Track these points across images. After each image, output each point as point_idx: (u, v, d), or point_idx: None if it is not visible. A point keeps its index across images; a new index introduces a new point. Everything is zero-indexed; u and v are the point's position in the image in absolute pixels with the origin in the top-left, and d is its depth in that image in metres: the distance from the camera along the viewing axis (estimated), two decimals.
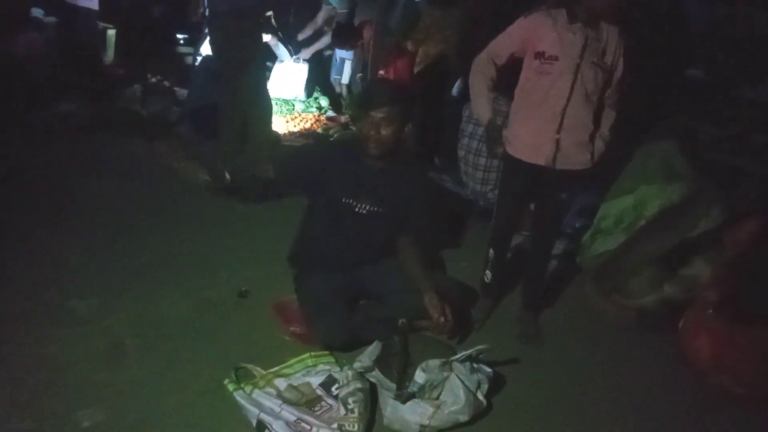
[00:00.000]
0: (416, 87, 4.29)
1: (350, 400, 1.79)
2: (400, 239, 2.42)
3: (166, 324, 2.23)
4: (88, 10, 5.03)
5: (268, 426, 1.75)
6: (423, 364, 1.85)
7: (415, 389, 1.83)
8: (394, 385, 1.86)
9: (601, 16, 2.15)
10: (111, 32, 5.38)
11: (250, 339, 2.21)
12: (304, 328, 2.23)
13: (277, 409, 1.80)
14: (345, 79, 5.32)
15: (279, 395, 1.89)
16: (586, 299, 2.86)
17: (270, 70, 5.17)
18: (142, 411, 1.80)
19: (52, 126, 4.15)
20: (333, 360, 2.10)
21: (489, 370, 1.98)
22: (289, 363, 2.06)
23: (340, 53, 5.33)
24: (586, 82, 2.16)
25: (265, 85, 4.05)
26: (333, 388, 1.93)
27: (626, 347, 2.55)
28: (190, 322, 2.27)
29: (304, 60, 5.34)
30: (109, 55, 5.44)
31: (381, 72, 4.27)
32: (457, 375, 1.88)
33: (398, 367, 1.89)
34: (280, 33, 5.11)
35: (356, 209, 2.31)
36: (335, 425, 1.77)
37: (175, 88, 5.18)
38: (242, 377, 1.96)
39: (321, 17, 5.26)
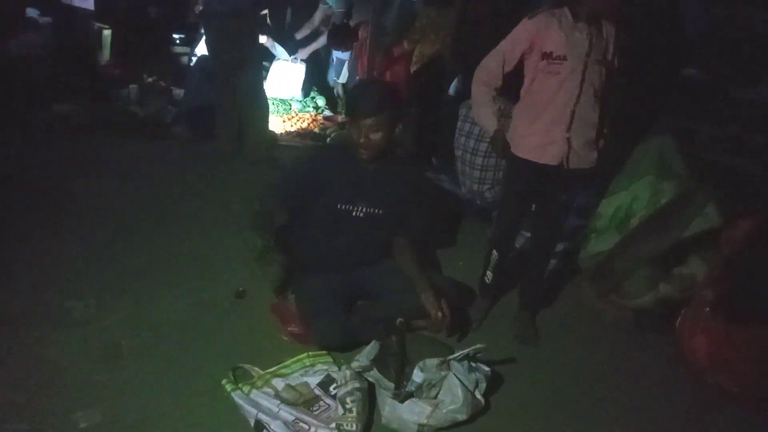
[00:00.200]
0: (413, 87, 4.30)
1: (348, 400, 1.79)
2: (398, 239, 2.42)
3: (164, 325, 2.23)
4: (84, 10, 5.02)
5: (266, 426, 1.75)
6: (421, 364, 1.86)
7: (413, 388, 1.83)
8: (392, 385, 1.86)
9: (602, 14, 2.16)
10: (107, 32, 5.36)
11: (248, 339, 2.21)
12: (301, 328, 2.23)
13: (275, 409, 1.80)
14: (342, 78, 5.32)
15: (277, 395, 1.89)
16: (583, 299, 2.86)
17: (267, 70, 5.18)
18: (140, 411, 1.80)
19: (50, 126, 4.14)
20: (331, 360, 2.10)
21: (487, 369, 1.99)
22: (286, 363, 2.06)
23: (336, 54, 5.33)
24: (593, 81, 2.17)
25: (262, 84, 4.06)
26: (331, 388, 1.93)
27: (624, 347, 2.56)
28: (188, 322, 2.26)
29: (301, 60, 5.34)
30: (105, 55, 5.42)
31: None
32: (455, 374, 1.88)
33: (396, 366, 1.89)
34: (275, 32, 5.12)
35: (353, 213, 2.30)
36: (333, 425, 1.77)
37: (172, 89, 5.18)
38: (240, 377, 1.97)
39: (318, 17, 5.26)
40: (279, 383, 1.95)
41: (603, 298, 2.80)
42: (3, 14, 4.53)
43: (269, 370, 2.01)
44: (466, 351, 1.94)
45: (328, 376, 1.98)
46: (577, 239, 3.09)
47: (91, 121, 4.31)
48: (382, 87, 2.37)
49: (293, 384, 1.94)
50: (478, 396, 1.91)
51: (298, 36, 5.38)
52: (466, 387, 1.87)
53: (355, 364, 1.95)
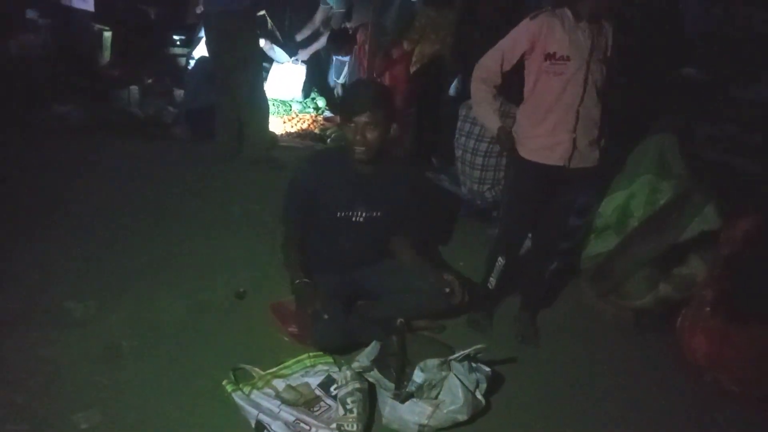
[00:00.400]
0: (413, 88, 4.31)
1: (349, 400, 1.78)
2: (397, 238, 2.42)
3: (165, 325, 2.22)
4: (84, 11, 5.02)
5: (267, 426, 1.75)
6: (421, 364, 1.85)
7: (414, 389, 1.83)
8: (392, 385, 1.86)
9: (603, 14, 2.17)
10: (107, 34, 5.37)
11: (248, 340, 2.21)
12: (300, 329, 2.23)
13: (276, 410, 1.80)
14: (342, 79, 5.33)
15: (277, 396, 1.89)
16: (583, 299, 2.86)
17: (267, 71, 5.18)
18: (140, 412, 1.80)
19: (49, 127, 4.14)
20: (331, 360, 2.10)
21: (487, 369, 1.98)
22: (287, 363, 2.06)
23: (337, 56, 5.34)
24: (596, 80, 2.18)
25: (262, 85, 4.06)
26: (331, 389, 1.93)
27: (624, 347, 2.56)
28: (187, 323, 2.26)
29: (302, 61, 5.34)
30: (105, 56, 5.43)
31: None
32: (455, 374, 1.88)
33: (397, 366, 1.89)
34: (277, 33, 5.12)
35: (353, 218, 2.30)
36: (334, 425, 1.77)
37: (173, 89, 5.18)
38: (241, 378, 1.96)
39: (319, 17, 5.26)
40: (280, 384, 1.94)
41: (603, 298, 2.80)
42: (2, 14, 4.53)
43: (270, 371, 2.01)
44: (466, 351, 1.94)
45: (328, 376, 1.98)
46: (577, 239, 3.09)
47: (90, 121, 4.32)
48: (375, 85, 2.37)
49: (294, 384, 1.94)
50: (479, 396, 1.91)
51: (299, 38, 5.38)
52: (466, 387, 1.87)
53: (355, 365, 1.95)
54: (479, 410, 1.92)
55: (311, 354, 2.10)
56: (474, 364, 1.96)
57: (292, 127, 4.97)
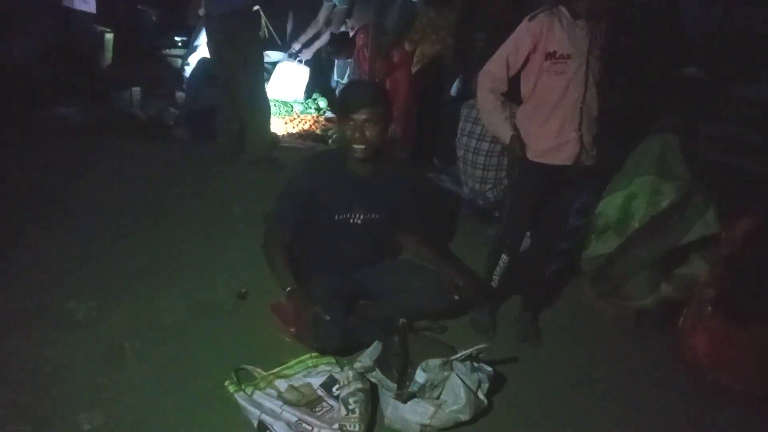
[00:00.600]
0: (414, 89, 4.31)
1: (351, 401, 1.78)
2: (409, 237, 2.43)
3: (166, 326, 2.22)
4: (86, 13, 5.03)
5: (269, 427, 1.75)
6: (423, 364, 1.85)
7: (416, 389, 1.83)
8: (394, 385, 1.86)
9: (600, 11, 2.17)
10: (108, 35, 5.38)
11: (250, 340, 2.21)
12: (301, 331, 2.22)
13: (278, 410, 1.80)
14: (345, 79, 5.33)
15: (280, 396, 1.89)
16: (584, 299, 2.86)
17: (269, 72, 5.18)
18: (142, 413, 1.80)
19: (51, 128, 4.14)
20: (333, 361, 2.10)
21: (489, 369, 1.99)
22: (289, 364, 2.06)
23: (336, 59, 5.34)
24: (595, 77, 2.19)
25: (263, 86, 4.06)
26: (334, 389, 1.93)
27: (625, 347, 2.56)
28: (189, 323, 2.26)
29: (305, 61, 5.33)
30: (107, 58, 5.44)
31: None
32: (457, 374, 1.88)
33: (398, 367, 1.89)
34: (272, 31, 5.11)
35: (351, 221, 2.30)
36: (336, 426, 1.77)
37: (175, 90, 5.18)
38: (243, 378, 1.96)
39: (323, 16, 5.25)
40: (282, 384, 1.94)
41: (603, 298, 2.80)
42: (3, 15, 4.53)
43: (272, 371, 2.01)
44: (468, 351, 1.94)
45: (330, 376, 1.98)
46: (578, 239, 3.09)
47: (91, 122, 4.32)
48: (372, 83, 2.37)
49: (296, 385, 1.94)
50: (481, 396, 1.91)
51: (303, 38, 5.36)
52: (468, 387, 1.87)
53: (357, 365, 1.95)
54: (481, 410, 1.92)
55: (313, 354, 2.10)
56: (476, 364, 1.96)
57: (293, 127, 4.97)
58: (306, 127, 5.01)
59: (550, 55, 2.16)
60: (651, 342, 2.58)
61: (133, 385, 1.91)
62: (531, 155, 2.26)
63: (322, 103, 5.41)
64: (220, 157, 3.96)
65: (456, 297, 2.27)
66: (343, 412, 1.79)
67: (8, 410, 1.74)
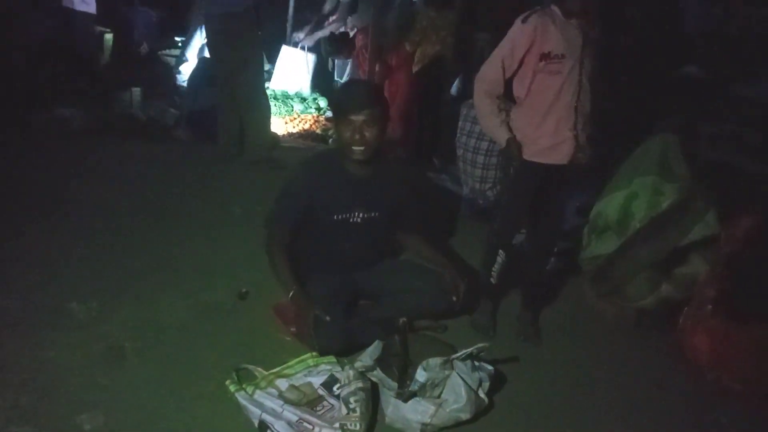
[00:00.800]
0: (414, 89, 4.31)
1: (352, 400, 1.78)
2: (407, 235, 2.43)
3: (166, 326, 2.22)
4: (86, 14, 5.03)
5: (270, 426, 1.75)
6: (424, 363, 1.85)
7: (417, 388, 1.83)
8: (395, 384, 1.86)
9: (591, 9, 2.18)
10: (108, 36, 5.38)
11: (251, 340, 2.21)
12: (301, 331, 2.22)
13: (279, 410, 1.80)
14: (345, 79, 5.34)
15: (280, 395, 1.89)
16: (584, 299, 2.86)
17: (269, 71, 5.19)
18: (143, 413, 1.80)
19: (51, 129, 4.15)
20: (334, 360, 2.10)
21: (490, 368, 1.99)
22: (290, 363, 2.06)
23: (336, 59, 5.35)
24: (588, 75, 2.19)
25: (263, 86, 4.06)
26: (334, 388, 1.93)
27: (625, 346, 2.56)
28: (189, 324, 2.26)
29: (308, 48, 5.32)
30: (107, 58, 5.44)
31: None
32: (458, 373, 1.88)
33: (399, 366, 1.89)
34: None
35: (351, 220, 2.30)
36: (337, 425, 1.77)
37: (178, 88, 5.20)
38: (243, 378, 1.96)
39: (328, 6, 5.25)
40: (282, 384, 1.94)
41: (604, 298, 2.80)
42: (3, 16, 4.54)
43: (273, 371, 2.01)
44: (469, 350, 1.94)
45: (331, 376, 1.98)
46: (578, 239, 3.09)
47: (90, 124, 4.32)
48: (369, 83, 2.35)
49: (297, 384, 1.94)
50: (482, 395, 1.91)
51: (307, 28, 5.36)
52: (469, 386, 1.87)
53: (358, 364, 1.95)
54: (482, 409, 1.92)
55: (314, 354, 2.11)
56: (477, 363, 1.96)
57: (293, 127, 4.98)
58: (306, 126, 5.01)
59: (544, 56, 2.16)
60: (651, 342, 2.58)
61: (134, 385, 1.91)
62: (527, 155, 2.27)
63: (323, 102, 5.41)
64: (220, 157, 3.96)
65: (455, 298, 2.27)
66: (344, 411, 1.79)
67: (9, 411, 1.74)
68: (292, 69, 5.34)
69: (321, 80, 5.57)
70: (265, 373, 1.99)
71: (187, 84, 4.82)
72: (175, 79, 5.30)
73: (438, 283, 2.34)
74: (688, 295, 2.58)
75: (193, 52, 5.23)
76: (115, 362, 2.00)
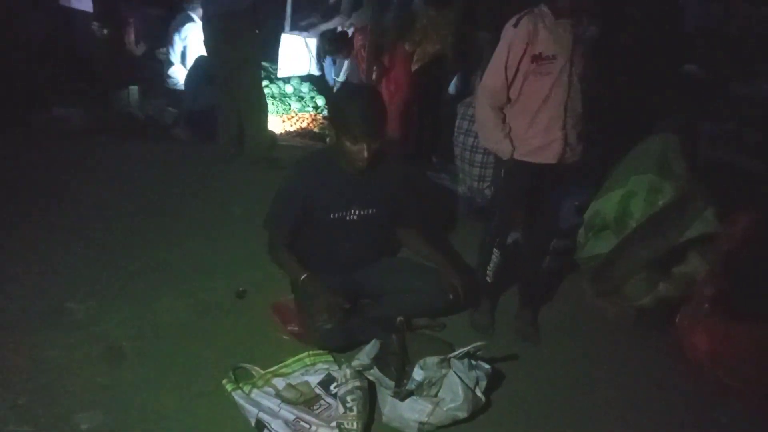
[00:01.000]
0: (414, 87, 4.31)
1: (349, 399, 1.79)
2: (404, 230, 2.43)
3: (164, 326, 2.23)
4: (85, 13, 5.03)
5: (267, 425, 1.75)
6: (421, 362, 1.86)
7: (414, 387, 1.83)
8: (392, 383, 1.86)
9: (581, 7, 2.17)
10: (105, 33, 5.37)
11: (248, 339, 2.21)
12: (301, 328, 2.23)
13: (276, 409, 1.81)
14: (342, 77, 5.34)
15: (278, 394, 1.90)
16: (583, 297, 2.86)
17: (268, 71, 5.19)
18: (141, 413, 1.81)
19: (50, 128, 4.15)
20: (331, 359, 2.10)
21: (487, 366, 1.99)
22: (287, 362, 2.06)
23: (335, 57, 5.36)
24: (579, 75, 2.19)
25: (261, 85, 4.06)
26: (331, 387, 1.93)
27: (624, 344, 2.56)
28: (188, 323, 2.27)
29: (305, 34, 5.35)
30: (105, 57, 5.43)
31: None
32: (455, 372, 1.88)
33: (396, 364, 1.89)
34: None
35: (347, 218, 2.29)
36: (334, 424, 1.78)
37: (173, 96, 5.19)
38: (241, 377, 1.97)
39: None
40: (280, 382, 1.95)
41: (603, 297, 2.80)
42: (2, 15, 4.54)
43: (270, 370, 2.01)
44: (466, 349, 1.94)
45: (328, 375, 1.99)
46: (575, 236, 3.10)
47: (90, 123, 4.33)
48: (379, 101, 2.28)
49: (294, 383, 1.95)
50: (479, 394, 1.91)
51: (310, 19, 5.38)
52: (466, 385, 1.87)
53: (355, 363, 1.96)
54: (479, 407, 1.92)
55: (311, 353, 2.11)
56: (474, 362, 1.97)
57: (291, 125, 4.98)
58: (304, 125, 5.01)
59: (536, 57, 2.15)
60: (651, 341, 2.58)
61: (133, 384, 1.92)
62: (518, 155, 2.27)
63: (320, 101, 5.41)
64: (220, 157, 3.96)
65: (451, 296, 2.27)
66: (341, 410, 1.79)
67: (8, 411, 1.75)
68: (294, 55, 5.34)
69: (318, 78, 5.58)
70: (262, 372, 2.00)
71: (186, 83, 4.82)
72: (166, 83, 5.31)
73: (437, 282, 2.34)
74: (686, 294, 2.58)
75: (177, 56, 5.25)
76: (114, 362, 2.01)
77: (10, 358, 1.95)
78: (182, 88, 4.96)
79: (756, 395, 2.24)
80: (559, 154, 2.24)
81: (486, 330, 2.46)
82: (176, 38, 5.17)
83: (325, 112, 5.30)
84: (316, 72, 5.41)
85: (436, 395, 1.86)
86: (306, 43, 5.39)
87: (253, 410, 1.79)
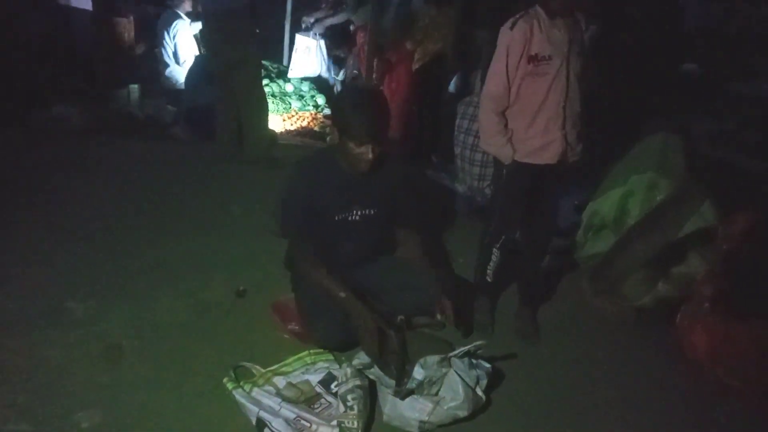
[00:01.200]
0: (415, 86, 4.31)
1: (349, 398, 1.79)
2: (403, 232, 2.43)
3: (164, 325, 2.23)
4: (82, 11, 5.03)
5: (268, 424, 1.75)
6: (421, 361, 1.86)
7: (414, 386, 1.83)
8: (393, 382, 1.86)
9: (575, 7, 2.18)
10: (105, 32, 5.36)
11: (249, 338, 2.21)
12: (301, 327, 2.23)
13: (277, 407, 1.81)
14: (341, 76, 5.34)
15: (278, 393, 1.90)
16: (583, 296, 2.86)
17: (268, 70, 5.18)
18: (141, 412, 1.81)
19: (49, 127, 4.14)
20: (332, 358, 2.10)
21: (488, 365, 1.99)
22: (287, 361, 2.06)
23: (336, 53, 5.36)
24: (576, 74, 2.19)
25: (261, 84, 4.06)
26: (332, 386, 1.93)
27: (624, 343, 2.56)
28: (188, 322, 2.27)
29: (319, 35, 5.34)
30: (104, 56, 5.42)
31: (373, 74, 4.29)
32: (455, 371, 1.88)
33: (397, 363, 1.89)
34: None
35: (349, 218, 2.29)
36: (335, 422, 1.78)
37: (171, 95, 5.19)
38: (241, 376, 1.97)
39: None
40: (280, 381, 1.95)
41: (602, 296, 2.80)
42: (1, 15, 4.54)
43: (270, 369, 2.01)
44: (466, 348, 1.94)
45: (329, 373, 1.98)
46: (574, 235, 3.10)
47: (90, 122, 4.32)
48: (383, 102, 2.27)
49: (294, 382, 1.95)
50: (479, 392, 1.91)
51: (317, 14, 5.39)
52: (467, 383, 1.87)
53: (356, 362, 1.96)
54: (480, 406, 1.92)
55: (312, 351, 2.11)
56: (474, 361, 1.97)
57: (291, 125, 4.97)
58: (304, 124, 5.00)
59: (532, 59, 2.15)
60: (651, 340, 2.58)
61: (132, 383, 1.92)
62: (518, 156, 2.27)
63: (320, 100, 5.40)
64: (220, 156, 3.95)
65: (439, 317, 2.21)
66: (342, 408, 1.79)
67: (8, 410, 1.74)
68: (307, 57, 5.36)
69: (317, 77, 5.58)
70: (263, 370, 2.00)
71: (185, 82, 4.82)
72: (163, 84, 5.30)
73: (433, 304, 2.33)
74: (685, 293, 2.58)
75: (170, 56, 5.25)
76: (113, 361, 2.01)
77: (10, 357, 1.95)
78: (181, 87, 4.96)
79: (756, 395, 2.24)
80: (559, 154, 2.24)
81: (486, 329, 2.46)
82: (166, 37, 5.17)
83: (326, 111, 5.29)
84: (326, 75, 5.42)
85: (436, 394, 1.86)
86: (320, 45, 5.39)
87: (254, 409, 1.79)
